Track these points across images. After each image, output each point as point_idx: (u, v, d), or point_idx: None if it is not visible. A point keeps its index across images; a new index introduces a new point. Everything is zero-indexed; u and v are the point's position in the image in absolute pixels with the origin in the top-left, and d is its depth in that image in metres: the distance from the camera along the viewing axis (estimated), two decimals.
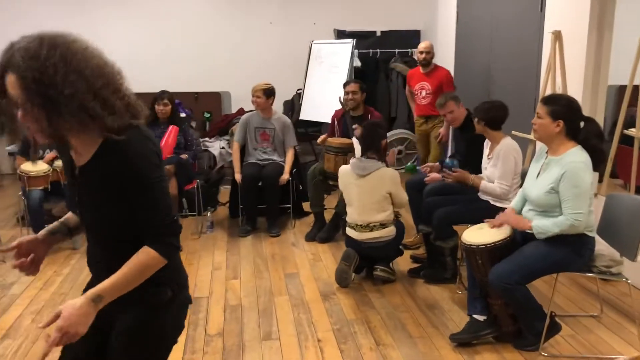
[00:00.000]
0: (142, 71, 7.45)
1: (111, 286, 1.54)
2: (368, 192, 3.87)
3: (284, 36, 7.73)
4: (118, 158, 1.54)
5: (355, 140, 4.55)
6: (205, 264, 4.44)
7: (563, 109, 2.90)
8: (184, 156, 5.05)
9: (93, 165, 1.58)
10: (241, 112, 7.21)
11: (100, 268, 1.68)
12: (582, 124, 2.95)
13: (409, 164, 4.87)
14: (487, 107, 3.71)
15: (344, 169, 4.07)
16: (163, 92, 5.19)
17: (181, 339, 3.24)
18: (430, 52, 5.67)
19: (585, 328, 3.34)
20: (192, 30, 7.62)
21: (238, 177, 5.12)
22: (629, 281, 3.08)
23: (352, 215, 3.95)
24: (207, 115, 7.41)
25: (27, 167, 4.68)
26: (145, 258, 1.57)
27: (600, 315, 3.49)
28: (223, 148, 6.81)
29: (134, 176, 1.54)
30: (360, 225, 3.89)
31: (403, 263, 4.36)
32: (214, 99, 7.58)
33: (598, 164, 2.93)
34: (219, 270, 4.32)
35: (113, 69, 1.58)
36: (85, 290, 1.70)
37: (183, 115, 6.15)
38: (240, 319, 3.52)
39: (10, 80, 1.44)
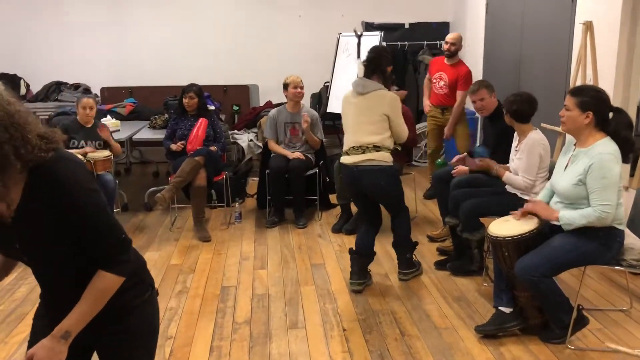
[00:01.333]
0: (173, 65, 7.63)
1: (77, 320, 1.56)
2: (365, 111, 3.69)
3: (312, 29, 7.75)
4: (49, 193, 1.48)
5: (358, 61, 4.27)
6: (234, 254, 4.51)
7: (592, 99, 2.87)
8: (213, 148, 5.13)
9: (25, 208, 1.51)
10: (269, 104, 7.27)
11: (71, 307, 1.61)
12: (611, 114, 2.91)
13: (438, 160, 4.86)
14: (512, 99, 3.65)
15: (345, 93, 3.88)
16: (191, 85, 5.27)
17: (209, 326, 3.34)
18: (456, 44, 5.55)
19: (614, 322, 3.31)
20: (222, 24, 7.69)
21: (292, 154, 5.18)
22: None
23: (348, 139, 3.76)
24: (235, 107, 7.49)
25: None
26: (102, 283, 1.58)
27: (630, 309, 3.45)
28: (251, 140, 6.87)
29: (70, 206, 1.50)
30: (353, 147, 3.69)
31: (429, 255, 4.36)
32: (243, 92, 7.65)
33: (627, 155, 2.89)
34: (247, 260, 4.39)
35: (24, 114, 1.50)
36: (33, 338, 1.72)
37: (212, 107, 6.23)
38: (267, 308, 3.58)
39: None
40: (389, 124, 3.71)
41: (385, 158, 3.69)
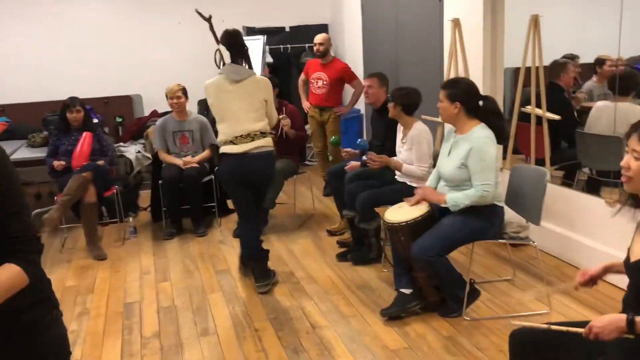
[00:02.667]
0: (48, 79, 7.20)
1: None
2: (245, 98, 3.65)
3: (193, 35, 7.63)
4: None
5: (222, 47, 3.90)
6: (133, 270, 4.38)
7: (458, 91, 3.15)
8: (100, 162, 4.93)
9: None
10: (155, 114, 7.09)
11: None
12: (481, 103, 3.19)
13: (332, 138, 5.02)
14: (404, 92, 3.87)
15: (209, 82, 3.72)
16: (73, 99, 5.03)
17: (116, 344, 3.24)
18: (324, 44, 5.82)
19: (501, 291, 3.63)
20: (98, 35, 7.37)
21: (184, 160, 5.09)
22: (535, 244, 3.38)
23: (229, 129, 3.67)
24: (118, 119, 7.22)
25: None
26: (6, 274, 1.47)
27: (514, 278, 3.80)
28: (139, 152, 6.67)
29: None
30: (241, 136, 3.64)
31: (330, 249, 4.51)
32: (125, 103, 7.40)
33: (499, 138, 3.19)
34: (148, 274, 4.28)
35: None
36: None
37: (95, 120, 5.99)
38: (176, 319, 3.52)
39: None
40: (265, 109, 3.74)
41: (270, 143, 3.75)
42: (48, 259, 4.65)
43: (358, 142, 4.44)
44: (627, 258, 1.85)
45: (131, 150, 6.67)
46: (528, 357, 2.06)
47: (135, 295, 3.92)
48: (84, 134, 4.96)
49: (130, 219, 5.25)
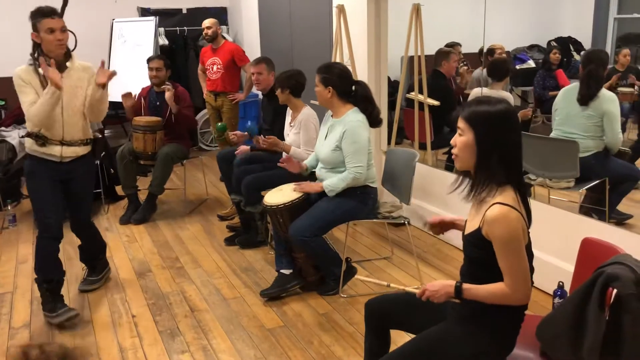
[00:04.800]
0: None
1: None
2: None
3: (83, 15, 7.27)
4: None
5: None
6: (9, 259, 4.16)
7: (331, 76, 3.23)
8: None
9: None
10: None
11: None
12: (354, 87, 3.29)
13: (219, 124, 5.00)
14: (288, 75, 3.89)
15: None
16: None
17: None
18: (211, 28, 5.79)
19: (379, 269, 3.79)
20: None
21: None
22: (406, 222, 3.52)
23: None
24: (1, 102, 6.79)
25: None
26: None
27: (391, 256, 3.97)
28: (22, 137, 6.30)
29: None
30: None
31: (220, 233, 4.50)
32: (8, 85, 6.87)
33: (371, 122, 3.29)
34: (25, 263, 4.09)
35: None
36: None
37: None
38: None
39: None
40: None
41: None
42: None
43: (247, 126, 4.45)
44: (463, 231, 1.99)
45: (14, 135, 6.28)
46: (381, 323, 2.19)
47: (8, 285, 3.74)
48: None
49: (9, 207, 4.98)
